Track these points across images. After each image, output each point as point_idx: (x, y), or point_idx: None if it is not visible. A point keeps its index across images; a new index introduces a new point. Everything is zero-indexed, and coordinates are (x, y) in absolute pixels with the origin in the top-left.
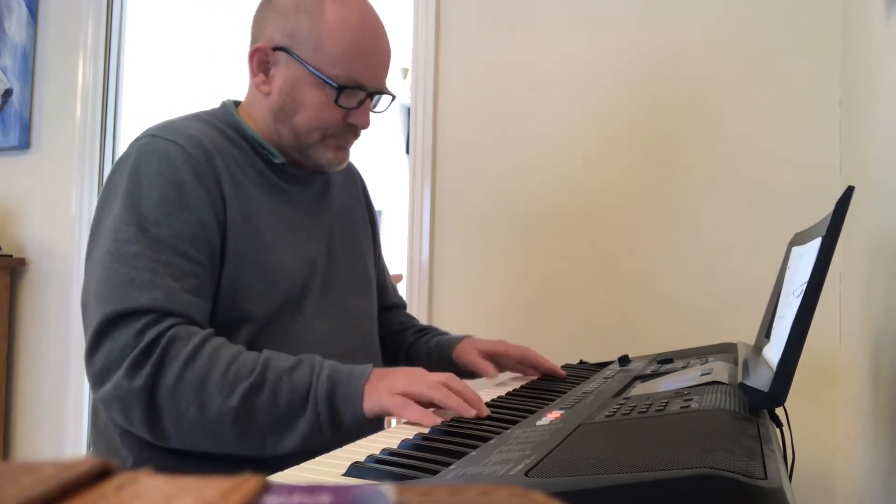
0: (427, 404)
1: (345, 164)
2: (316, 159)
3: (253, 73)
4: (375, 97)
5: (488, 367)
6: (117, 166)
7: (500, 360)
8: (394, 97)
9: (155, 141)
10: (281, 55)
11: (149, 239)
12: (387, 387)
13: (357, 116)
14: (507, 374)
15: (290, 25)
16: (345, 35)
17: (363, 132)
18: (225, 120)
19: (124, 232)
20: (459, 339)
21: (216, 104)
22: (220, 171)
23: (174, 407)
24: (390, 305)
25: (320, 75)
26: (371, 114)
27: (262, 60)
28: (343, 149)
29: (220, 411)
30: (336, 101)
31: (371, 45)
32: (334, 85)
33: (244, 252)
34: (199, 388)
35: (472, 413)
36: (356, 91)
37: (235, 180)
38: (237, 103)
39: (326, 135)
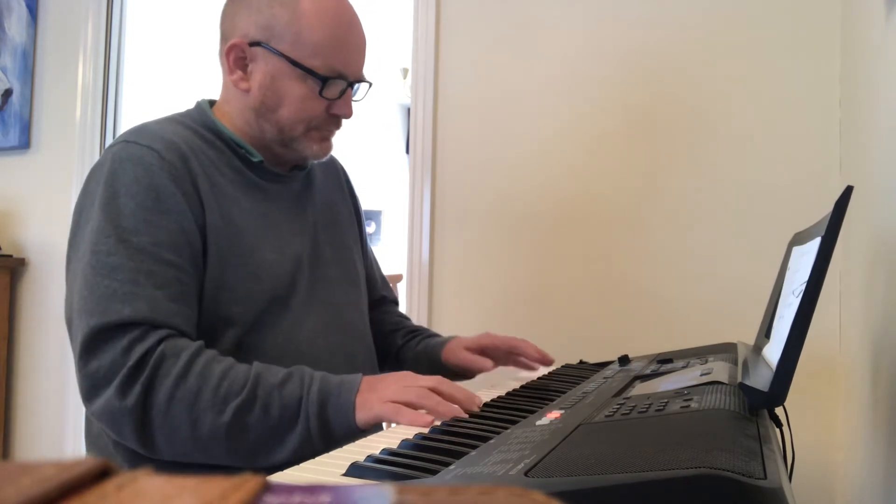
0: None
1: (329, 155)
2: (301, 152)
3: (230, 71)
4: (355, 85)
5: (483, 361)
6: (92, 174)
7: (489, 353)
8: (371, 85)
9: (129, 147)
10: (258, 50)
11: (129, 249)
12: (378, 397)
13: (340, 106)
14: (505, 375)
15: (265, 19)
16: (323, 25)
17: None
18: (200, 121)
19: (103, 244)
20: (447, 341)
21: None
22: (197, 174)
23: (166, 424)
24: (379, 298)
25: (303, 67)
26: (352, 103)
27: (238, 57)
28: (327, 139)
29: (212, 428)
30: (320, 93)
31: (349, 34)
32: (318, 76)
33: (226, 254)
34: (191, 406)
35: (461, 414)
36: (338, 81)
37: (212, 181)
38: (212, 102)
39: (310, 127)
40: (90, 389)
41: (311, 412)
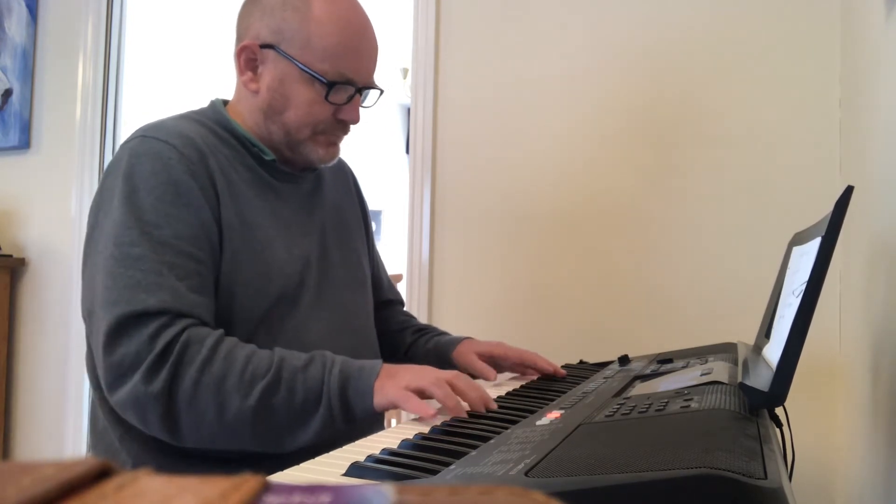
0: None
1: (336, 160)
2: (307, 155)
3: (240, 72)
4: (364, 92)
5: (488, 371)
6: (110, 170)
7: (499, 363)
8: (382, 91)
9: (146, 142)
10: (269, 52)
11: (151, 241)
12: (394, 383)
13: (347, 112)
14: (506, 375)
15: (276, 22)
16: (333, 30)
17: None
18: (214, 118)
19: (126, 236)
20: (459, 341)
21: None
22: (213, 170)
23: (193, 410)
24: (386, 301)
25: (310, 72)
26: (360, 109)
27: (249, 58)
28: (334, 144)
29: (238, 411)
30: (326, 98)
31: (359, 40)
32: (324, 81)
33: (239, 250)
34: (218, 390)
35: (463, 415)
36: (346, 86)
37: (228, 178)
38: (226, 102)
39: (317, 131)
40: (116, 378)
41: (333, 394)
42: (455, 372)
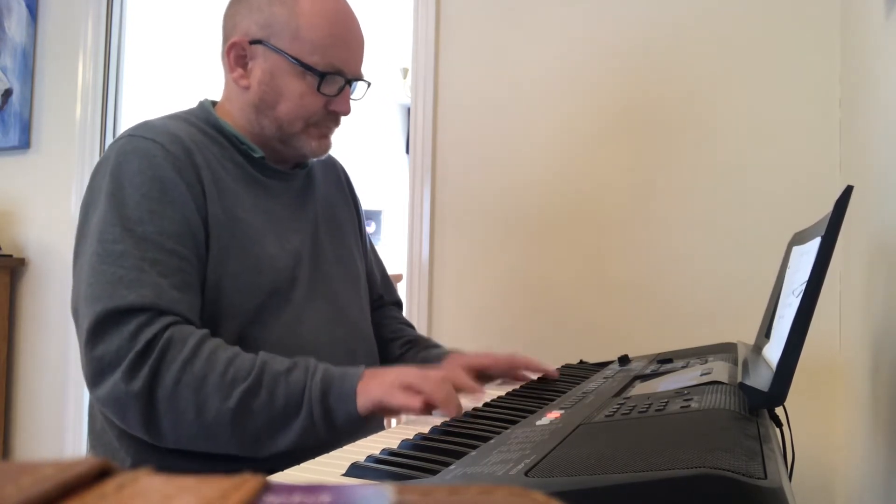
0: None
1: (328, 152)
2: (300, 149)
3: (230, 69)
4: (353, 84)
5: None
6: (98, 169)
7: (489, 372)
8: (369, 84)
9: (133, 140)
10: (258, 48)
11: (134, 238)
12: (378, 382)
13: (338, 103)
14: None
15: (265, 17)
16: (322, 23)
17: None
18: (203, 118)
19: (109, 233)
20: (445, 355)
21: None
22: (200, 167)
23: (172, 409)
24: (377, 298)
25: (301, 63)
26: (351, 101)
27: (239, 55)
28: (325, 137)
29: (217, 413)
30: (318, 89)
31: (347, 32)
32: (316, 72)
33: (227, 245)
34: (198, 391)
35: (452, 414)
36: (336, 78)
37: (215, 175)
38: (215, 103)
39: (309, 123)
40: (96, 374)
41: (315, 399)
42: (442, 371)
